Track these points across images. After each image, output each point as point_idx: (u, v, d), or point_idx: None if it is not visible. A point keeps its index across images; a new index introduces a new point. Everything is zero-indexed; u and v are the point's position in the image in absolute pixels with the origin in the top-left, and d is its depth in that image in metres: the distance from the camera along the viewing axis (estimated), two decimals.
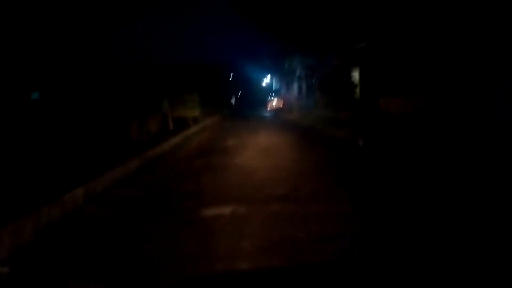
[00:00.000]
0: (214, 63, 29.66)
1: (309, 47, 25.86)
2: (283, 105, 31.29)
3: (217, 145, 10.56)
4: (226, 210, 4.55)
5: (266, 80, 46.99)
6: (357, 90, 18.34)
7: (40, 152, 6.21)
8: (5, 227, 3.17)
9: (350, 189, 5.34)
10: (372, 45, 15.67)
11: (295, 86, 32.71)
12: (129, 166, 6.69)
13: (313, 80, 29.18)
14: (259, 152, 8.94)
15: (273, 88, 44.58)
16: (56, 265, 3.01)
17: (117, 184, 5.77)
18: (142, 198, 5.18)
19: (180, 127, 14.23)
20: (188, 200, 4.95)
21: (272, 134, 12.82)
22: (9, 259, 2.99)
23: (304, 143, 10.90)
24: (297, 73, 31.56)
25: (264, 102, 34.78)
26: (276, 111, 29.24)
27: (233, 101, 49.18)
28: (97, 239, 3.67)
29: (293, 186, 5.54)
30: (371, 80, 15.82)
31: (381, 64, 14.76)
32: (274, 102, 32.83)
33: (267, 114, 27.95)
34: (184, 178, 6.42)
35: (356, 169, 6.90)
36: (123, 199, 5.08)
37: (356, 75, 18.89)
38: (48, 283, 2.78)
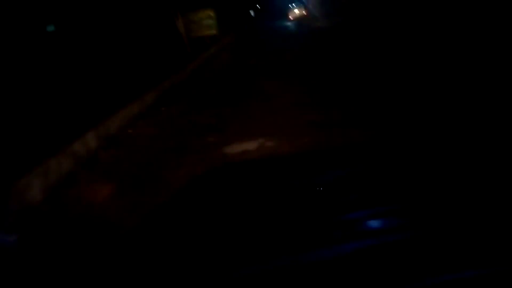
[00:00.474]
0: None
1: None
2: (307, 12, 28.85)
3: (239, 67, 9.78)
4: (252, 145, 4.08)
5: None
6: None
7: (51, 89, 5.71)
8: (8, 188, 2.83)
9: None
10: None
11: None
12: (146, 99, 6.20)
13: None
14: (286, 72, 8.12)
15: None
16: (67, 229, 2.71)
17: (133, 122, 5.35)
18: (160, 137, 4.76)
19: (199, 49, 13.33)
20: (210, 136, 4.49)
21: (299, 49, 11.70)
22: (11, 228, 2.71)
23: (334, 55, 9.86)
24: None
25: (286, 11, 31.93)
26: (300, 20, 27.01)
27: (252, 13, 46.15)
28: (113, 190, 3.35)
29: (327, 111, 4.89)
30: None
31: None
32: (296, 11, 30.19)
33: (290, 24, 25.89)
34: (205, 109, 5.88)
35: None
36: (140, 140, 4.69)
37: None
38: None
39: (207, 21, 15.22)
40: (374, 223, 0.87)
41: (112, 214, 2.88)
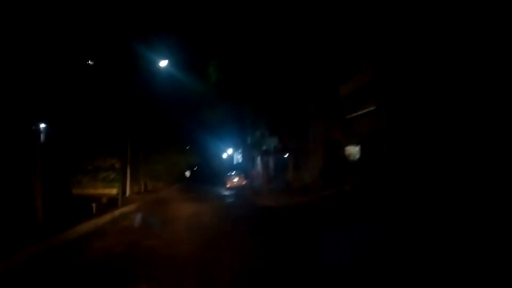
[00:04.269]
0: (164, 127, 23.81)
1: (281, 113, 21.18)
2: (246, 183, 25.68)
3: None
4: None
5: (227, 153, 41.72)
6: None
7: None
8: None
9: None
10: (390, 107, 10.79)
11: (262, 162, 27.44)
12: None
13: (286, 155, 24.06)
14: None
15: (235, 163, 39.19)
16: None
17: None
18: None
19: (74, 215, 7.82)
20: None
21: (241, 237, 6.74)
22: None
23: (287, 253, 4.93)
24: (264, 146, 26.53)
25: (223, 178, 28.70)
26: (238, 190, 23.31)
27: (187, 173, 42.91)
28: None
29: None
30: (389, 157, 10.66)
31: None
32: (235, 179, 27.06)
33: (227, 193, 21.80)
34: None
35: None
36: None
37: (351, 149, 13.90)
38: None
39: (107, 174, 10.19)
40: None
41: None
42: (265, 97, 20.20)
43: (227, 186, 25.86)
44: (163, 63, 15.51)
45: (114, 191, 10.24)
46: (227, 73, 17.30)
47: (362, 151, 12.77)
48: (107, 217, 8.47)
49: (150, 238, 6.78)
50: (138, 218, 9.40)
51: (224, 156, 42.42)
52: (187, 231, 7.52)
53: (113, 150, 11.19)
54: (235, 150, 38.80)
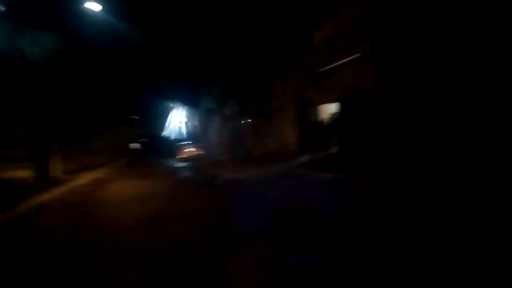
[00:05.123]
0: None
1: (239, 73, 18.75)
2: (202, 153, 23.23)
3: None
4: None
5: (181, 122, 38.69)
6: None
7: None
8: None
9: None
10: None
11: (218, 129, 25.08)
12: None
13: (246, 120, 21.82)
14: None
15: (189, 131, 36.42)
16: None
17: None
18: None
19: None
20: None
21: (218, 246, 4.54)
22: None
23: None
24: (222, 112, 24.07)
25: (175, 148, 25.61)
26: (193, 161, 20.84)
27: (137, 146, 39.40)
28: None
29: None
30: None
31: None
32: (189, 149, 24.20)
33: (182, 166, 19.26)
34: None
35: None
36: None
37: (328, 108, 11.96)
38: None
39: (10, 150, 7.37)
40: None
41: None
42: (220, 54, 17.60)
43: (180, 157, 22.88)
44: (93, 6, 12.32)
45: (28, 173, 7.51)
46: (174, 23, 14.50)
47: (343, 108, 10.86)
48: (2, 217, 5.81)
49: (64, 258, 4.31)
50: (57, 211, 6.84)
51: (178, 125, 39.40)
52: (133, 230, 5.17)
53: (27, 120, 8.27)
54: (190, 118, 35.96)
